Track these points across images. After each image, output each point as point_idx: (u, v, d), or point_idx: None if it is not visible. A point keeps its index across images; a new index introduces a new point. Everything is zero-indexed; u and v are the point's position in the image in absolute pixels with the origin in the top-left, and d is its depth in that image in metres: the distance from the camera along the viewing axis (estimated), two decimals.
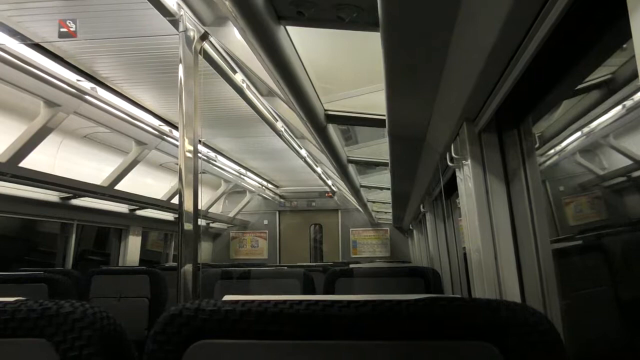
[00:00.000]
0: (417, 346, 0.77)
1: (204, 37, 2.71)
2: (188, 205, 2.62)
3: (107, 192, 5.41)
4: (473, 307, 0.78)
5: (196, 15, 2.43)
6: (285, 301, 0.80)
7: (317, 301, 0.80)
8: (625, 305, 2.07)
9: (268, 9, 1.34)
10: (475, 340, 0.76)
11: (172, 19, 2.67)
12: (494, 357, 0.75)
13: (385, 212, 8.78)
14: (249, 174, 8.30)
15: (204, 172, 6.83)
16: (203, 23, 2.48)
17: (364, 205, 7.53)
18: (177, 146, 4.86)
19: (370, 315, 0.78)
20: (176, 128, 4.96)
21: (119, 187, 5.57)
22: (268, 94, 3.73)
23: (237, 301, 0.81)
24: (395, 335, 0.77)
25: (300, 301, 0.80)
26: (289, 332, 0.78)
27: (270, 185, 10.10)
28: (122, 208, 6.33)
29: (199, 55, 2.74)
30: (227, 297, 0.84)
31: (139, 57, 3.59)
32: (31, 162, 4.10)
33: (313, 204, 11.29)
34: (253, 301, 0.81)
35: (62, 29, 2.70)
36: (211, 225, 10.11)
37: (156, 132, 5.03)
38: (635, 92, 1.88)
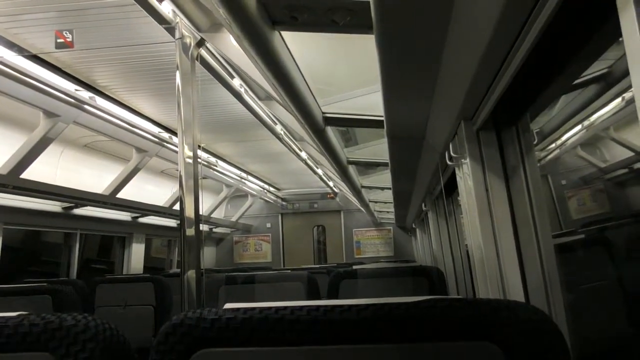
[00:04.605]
0: (420, 348, 0.76)
1: (200, 43, 2.71)
2: (189, 211, 2.62)
3: (109, 200, 5.41)
4: (474, 307, 0.78)
5: (192, 22, 2.44)
6: (286, 307, 0.80)
7: (318, 306, 0.80)
8: (631, 301, 2.06)
9: (262, 15, 1.34)
10: (477, 340, 0.76)
11: (168, 26, 2.68)
12: (497, 357, 0.74)
13: (388, 212, 8.77)
14: (250, 177, 8.30)
15: (204, 178, 6.83)
16: (199, 30, 2.49)
17: (366, 205, 7.53)
18: (177, 152, 4.86)
19: (371, 319, 0.78)
20: (176, 134, 4.96)
21: (120, 195, 5.57)
22: (266, 98, 3.73)
23: (238, 309, 0.81)
24: (398, 338, 0.77)
25: (302, 307, 0.80)
26: (291, 339, 0.78)
27: (271, 189, 10.09)
28: (124, 216, 6.33)
29: (196, 61, 2.74)
30: (228, 305, 0.84)
31: (137, 65, 3.60)
32: (33, 172, 4.10)
33: (315, 205, 11.27)
34: (254, 308, 0.81)
35: (59, 40, 2.70)
36: (214, 230, 10.11)
37: (156, 139, 5.03)
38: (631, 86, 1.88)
